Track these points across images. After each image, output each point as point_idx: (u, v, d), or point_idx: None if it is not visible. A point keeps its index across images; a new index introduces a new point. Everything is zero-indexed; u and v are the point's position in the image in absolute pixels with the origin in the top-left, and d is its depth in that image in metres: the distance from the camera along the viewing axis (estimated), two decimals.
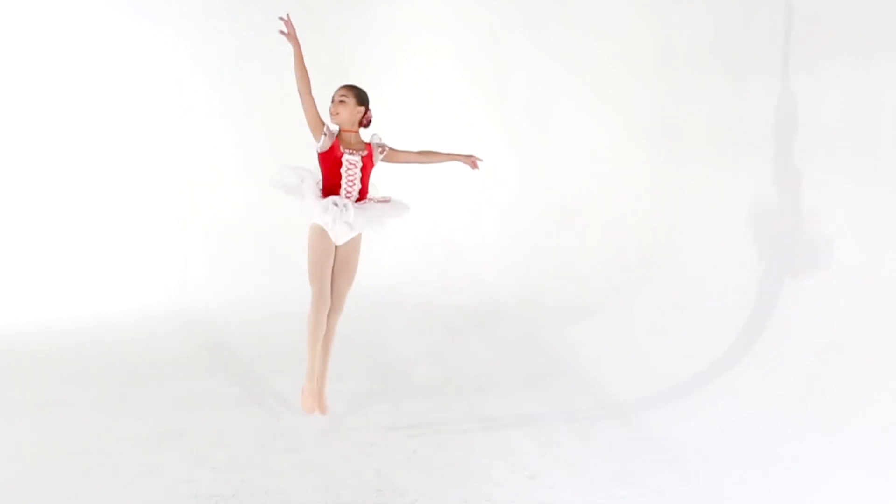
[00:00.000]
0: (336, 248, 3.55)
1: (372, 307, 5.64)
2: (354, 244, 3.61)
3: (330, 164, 3.52)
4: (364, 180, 3.57)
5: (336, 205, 3.45)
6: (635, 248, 5.41)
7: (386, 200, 3.63)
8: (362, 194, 3.57)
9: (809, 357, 3.85)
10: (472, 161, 3.71)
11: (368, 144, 3.62)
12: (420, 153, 3.75)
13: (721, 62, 4.79)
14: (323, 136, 3.49)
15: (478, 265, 6.23)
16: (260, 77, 7.13)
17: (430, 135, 7.00)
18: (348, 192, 3.52)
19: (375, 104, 6.12)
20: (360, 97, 3.62)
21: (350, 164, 3.52)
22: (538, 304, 5.73)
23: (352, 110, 3.57)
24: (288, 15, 3.56)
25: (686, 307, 4.75)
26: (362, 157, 3.55)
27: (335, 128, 3.54)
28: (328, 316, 3.57)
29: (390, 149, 3.67)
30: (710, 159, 4.92)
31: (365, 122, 3.64)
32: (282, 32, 3.57)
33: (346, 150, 3.53)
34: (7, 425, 3.77)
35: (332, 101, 3.58)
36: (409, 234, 5.26)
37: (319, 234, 3.52)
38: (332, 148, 3.50)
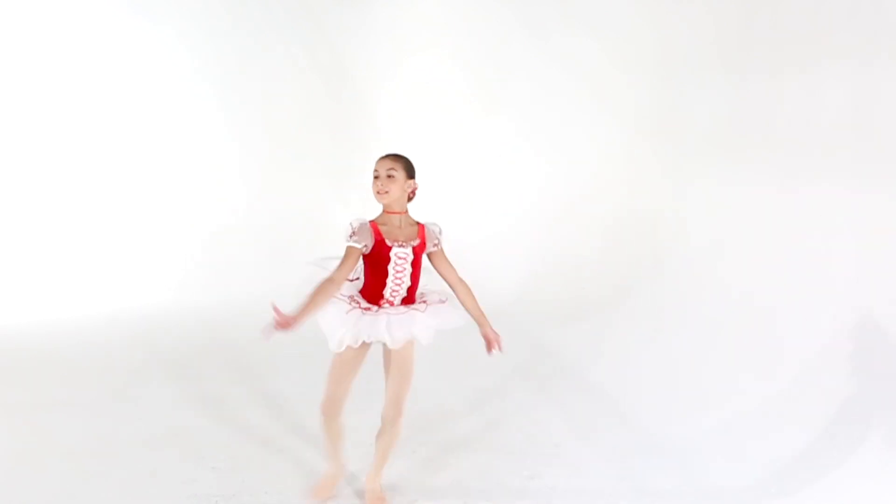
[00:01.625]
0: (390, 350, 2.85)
1: None
2: (406, 348, 2.88)
3: (375, 262, 2.81)
4: (414, 276, 2.85)
5: (361, 322, 2.76)
6: (635, 248, 5.41)
7: (443, 301, 2.91)
8: (410, 293, 2.87)
9: (809, 357, 3.85)
10: (491, 343, 2.93)
11: (421, 228, 2.89)
12: (460, 282, 2.95)
13: (721, 62, 4.79)
14: (362, 233, 2.78)
15: (478, 265, 6.23)
16: (261, 77, 7.14)
17: (430, 135, 7.03)
18: (394, 292, 2.84)
19: (375, 104, 6.14)
20: (409, 169, 2.88)
21: (399, 259, 2.82)
22: (538, 304, 5.73)
23: (401, 186, 2.83)
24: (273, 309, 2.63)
25: (686, 307, 4.75)
26: (414, 249, 2.83)
27: (363, 222, 2.82)
28: (384, 423, 2.93)
29: (441, 250, 2.93)
30: (710, 159, 4.92)
31: (411, 197, 2.92)
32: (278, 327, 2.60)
33: (395, 243, 2.81)
34: (7, 425, 3.77)
35: (376, 177, 2.82)
36: None
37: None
38: (376, 244, 2.79)
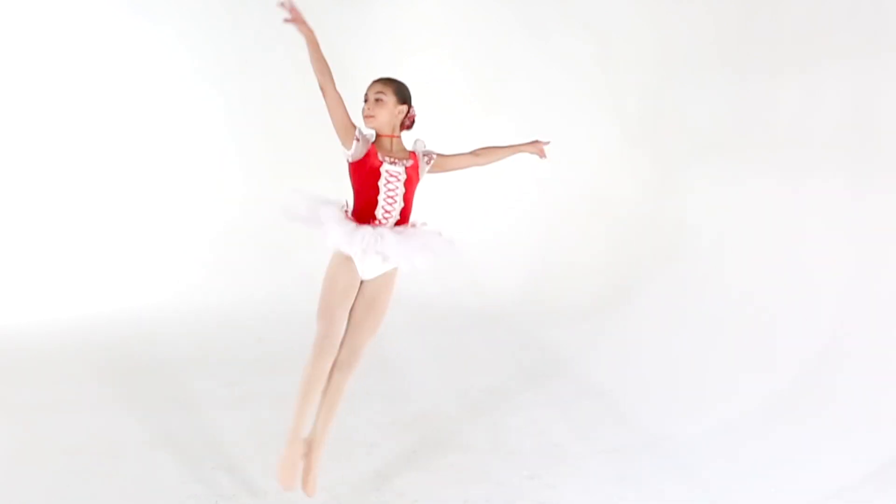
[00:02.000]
0: (361, 283, 2.75)
1: None
2: (385, 281, 2.76)
3: (365, 176, 2.73)
4: (407, 198, 2.76)
5: (367, 232, 2.67)
6: (635, 248, 5.41)
7: (437, 232, 2.84)
8: (404, 216, 2.77)
9: (809, 357, 3.85)
10: (539, 149, 3.04)
11: (412, 153, 2.85)
12: (475, 154, 2.98)
13: (721, 62, 4.79)
14: (355, 142, 2.72)
15: (478, 265, 6.23)
16: (261, 76, 7.13)
17: (430, 135, 7.02)
18: (387, 212, 2.73)
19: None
20: (402, 93, 2.82)
21: (391, 177, 2.73)
22: (538, 305, 5.73)
23: (391, 111, 2.78)
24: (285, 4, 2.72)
25: (686, 307, 4.75)
26: (406, 169, 2.76)
27: (370, 132, 2.79)
28: (336, 370, 2.76)
29: (438, 155, 2.90)
30: (711, 158, 4.92)
31: (408, 124, 2.88)
32: (286, 21, 2.76)
33: (387, 159, 2.75)
34: (7, 425, 3.77)
35: (366, 101, 2.80)
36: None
37: (342, 264, 2.71)
38: (367, 156, 2.73)
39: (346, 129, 2.74)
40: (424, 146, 2.89)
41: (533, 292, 5.92)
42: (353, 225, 2.70)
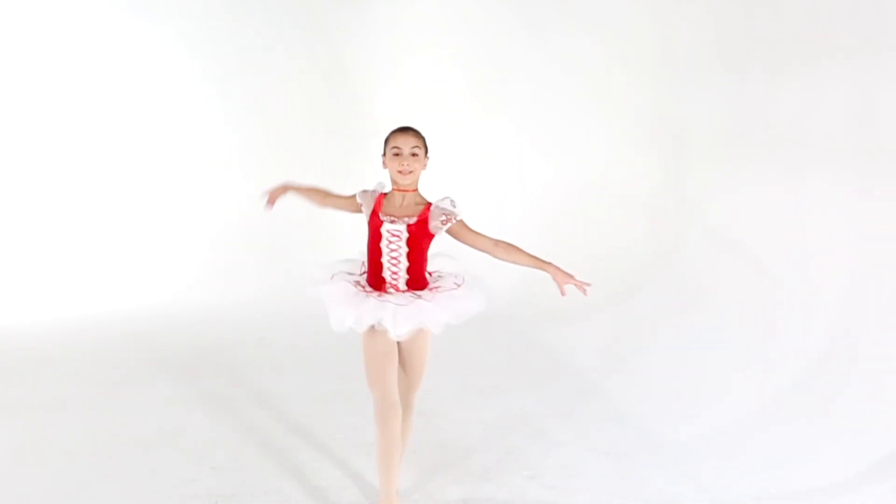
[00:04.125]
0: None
1: None
2: (416, 337, 2.67)
3: (371, 237, 2.68)
4: (412, 257, 2.63)
5: (369, 305, 2.59)
6: (636, 248, 5.41)
7: (458, 285, 2.70)
8: (413, 275, 2.67)
9: (809, 357, 3.85)
10: (562, 281, 2.68)
11: (426, 207, 2.67)
12: (497, 244, 2.71)
13: (721, 62, 4.79)
14: (363, 206, 2.71)
15: (478, 266, 6.23)
16: (262, 77, 7.13)
17: (430, 135, 7.03)
18: (394, 275, 2.65)
19: (375, 104, 6.09)
20: (427, 145, 2.72)
21: (392, 237, 2.63)
22: (538, 305, 5.72)
23: (423, 164, 2.69)
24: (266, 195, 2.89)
25: (686, 307, 4.75)
26: (408, 226, 2.63)
27: (379, 184, 2.74)
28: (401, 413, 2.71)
29: (459, 222, 2.67)
30: (711, 158, 4.92)
31: None
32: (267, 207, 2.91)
33: (386, 218, 2.65)
34: (7, 425, 3.77)
35: (399, 154, 2.63)
36: None
37: (369, 333, 2.65)
38: (371, 214, 2.68)
39: (349, 207, 2.80)
40: (450, 205, 2.68)
41: (532, 292, 5.91)
42: (359, 297, 2.63)
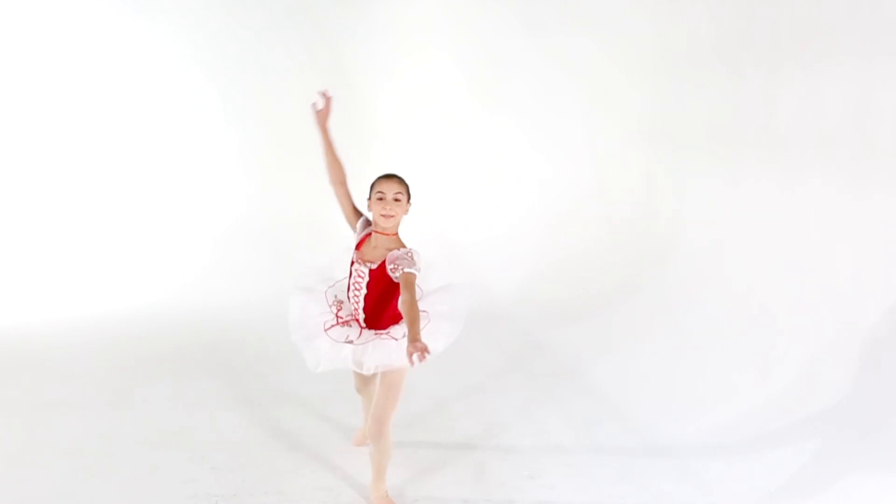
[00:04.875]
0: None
1: None
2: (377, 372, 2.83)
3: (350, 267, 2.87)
4: (370, 299, 2.80)
5: (326, 350, 2.83)
6: (635, 247, 5.41)
7: (403, 336, 2.69)
8: (369, 314, 2.83)
9: (810, 357, 3.85)
10: (417, 352, 2.43)
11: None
12: (403, 306, 2.65)
13: (721, 61, 4.79)
14: (357, 228, 2.91)
15: (478, 265, 6.24)
16: (262, 77, 7.13)
17: (431, 134, 7.03)
18: (355, 309, 2.85)
19: (376, 104, 6.06)
20: (409, 192, 2.87)
21: (358, 277, 2.82)
22: (538, 305, 5.73)
23: (405, 210, 2.85)
24: (326, 93, 3.04)
25: (686, 307, 4.75)
26: (370, 271, 2.79)
27: (370, 220, 2.89)
28: (369, 437, 2.92)
29: (406, 276, 2.68)
30: (710, 158, 4.92)
31: None
32: (314, 106, 3.06)
33: (358, 259, 2.83)
34: (7, 425, 3.77)
35: (381, 198, 2.79)
36: (410, 234, 5.26)
37: None
38: (356, 246, 2.88)
39: (351, 216, 2.95)
40: (407, 257, 2.72)
41: (533, 292, 5.92)
42: (321, 339, 2.83)
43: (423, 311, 2.77)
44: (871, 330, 3.64)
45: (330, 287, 2.98)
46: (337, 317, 2.88)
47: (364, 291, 2.80)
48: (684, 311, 4.74)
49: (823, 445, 3.33)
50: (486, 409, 4.01)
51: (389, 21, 7.13)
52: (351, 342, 2.79)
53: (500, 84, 6.64)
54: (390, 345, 2.77)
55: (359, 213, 2.93)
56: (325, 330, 2.84)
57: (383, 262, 2.76)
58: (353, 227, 2.92)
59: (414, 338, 2.46)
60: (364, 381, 3.14)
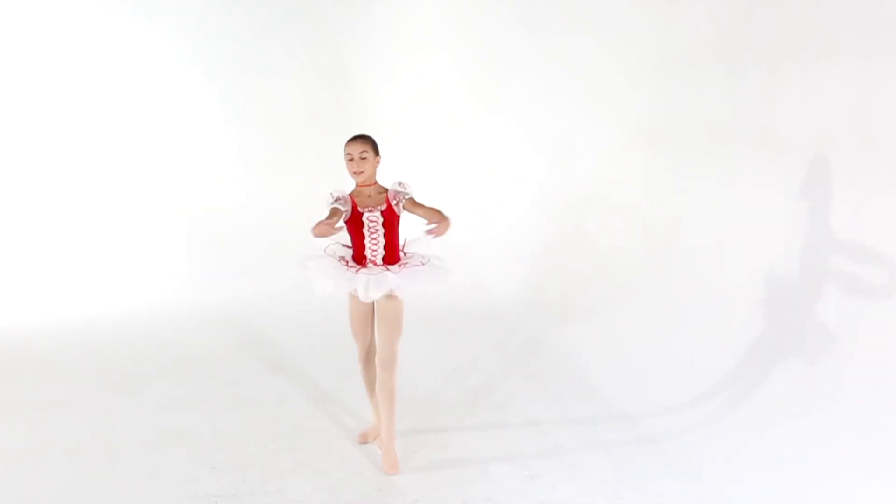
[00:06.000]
0: (374, 302, 3.28)
1: None
2: (388, 301, 3.26)
3: (354, 227, 3.28)
4: (389, 236, 3.29)
5: (343, 276, 3.23)
6: (635, 247, 5.41)
7: (423, 263, 3.32)
8: (388, 251, 3.29)
9: (809, 357, 3.85)
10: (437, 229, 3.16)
11: (388, 194, 3.31)
12: (430, 211, 3.21)
13: (721, 61, 4.79)
14: (344, 211, 3.21)
15: (478, 266, 6.23)
16: (262, 77, 7.13)
17: (431, 134, 7.03)
18: (374, 252, 3.27)
19: (376, 104, 6.07)
20: (376, 147, 3.32)
21: (371, 223, 3.26)
22: (538, 305, 5.73)
23: (373, 164, 3.29)
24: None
25: (686, 307, 4.75)
26: (382, 212, 3.27)
27: (346, 190, 3.31)
28: (379, 369, 3.29)
29: (410, 199, 3.28)
30: (710, 158, 4.91)
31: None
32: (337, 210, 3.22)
33: (366, 210, 3.26)
34: (7, 425, 3.77)
35: (350, 159, 3.26)
36: (410, 234, 5.26)
37: (350, 298, 3.32)
38: (353, 212, 3.26)
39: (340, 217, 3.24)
40: (402, 187, 3.30)
41: (533, 292, 5.92)
42: (338, 270, 3.27)
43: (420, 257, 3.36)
44: (871, 329, 3.64)
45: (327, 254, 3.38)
46: (348, 266, 3.28)
47: (382, 231, 3.27)
48: (685, 310, 4.74)
49: (823, 445, 3.33)
50: (485, 409, 4.01)
51: (389, 21, 7.12)
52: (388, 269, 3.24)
53: (500, 84, 6.63)
54: (421, 269, 3.29)
55: (335, 211, 3.19)
56: (357, 273, 3.23)
57: (388, 201, 3.27)
58: (341, 214, 3.20)
59: (441, 217, 3.11)
60: (372, 386, 3.49)
